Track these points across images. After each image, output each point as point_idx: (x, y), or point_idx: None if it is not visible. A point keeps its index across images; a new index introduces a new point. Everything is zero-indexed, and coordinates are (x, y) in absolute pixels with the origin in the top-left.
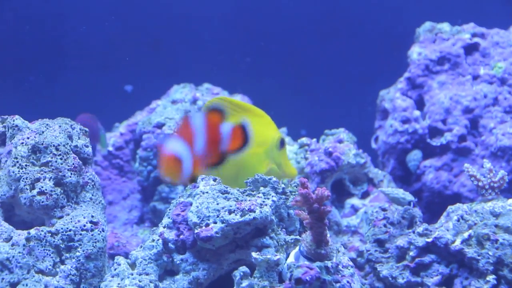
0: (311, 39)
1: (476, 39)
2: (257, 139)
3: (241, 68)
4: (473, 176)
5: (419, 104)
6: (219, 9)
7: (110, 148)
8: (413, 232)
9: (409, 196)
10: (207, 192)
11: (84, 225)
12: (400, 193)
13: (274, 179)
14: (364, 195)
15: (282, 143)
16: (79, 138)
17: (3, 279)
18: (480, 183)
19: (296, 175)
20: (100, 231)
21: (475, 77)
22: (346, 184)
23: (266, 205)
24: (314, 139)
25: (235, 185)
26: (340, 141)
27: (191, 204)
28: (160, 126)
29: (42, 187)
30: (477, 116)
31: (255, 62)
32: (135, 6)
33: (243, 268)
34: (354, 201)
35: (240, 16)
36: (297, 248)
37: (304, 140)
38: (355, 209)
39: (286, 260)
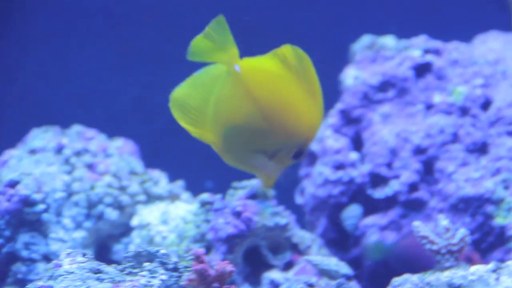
0: None
1: (429, 57)
2: (283, 118)
3: (122, 104)
4: (425, 238)
5: (357, 143)
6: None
7: None
8: None
9: (343, 268)
10: (73, 272)
11: None
12: (332, 263)
13: (163, 251)
14: (287, 266)
15: (297, 155)
16: None
17: None
18: (434, 247)
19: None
20: None
21: (429, 107)
22: (263, 252)
23: (152, 286)
24: (219, 195)
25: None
26: (253, 197)
27: None
28: (13, 184)
29: None
30: (431, 158)
31: (139, 99)
32: None
33: None
34: (274, 274)
35: (120, 50)
36: None
37: (206, 197)
38: (275, 285)
39: None
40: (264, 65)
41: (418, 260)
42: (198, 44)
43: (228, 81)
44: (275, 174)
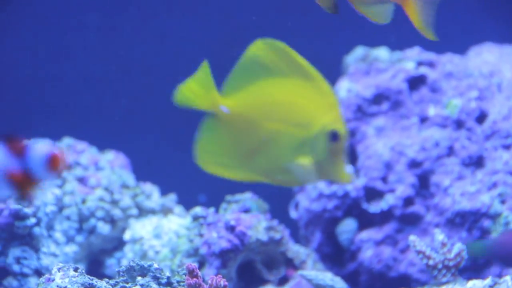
0: None
1: (423, 69)
2: (295, 114)
3: (113, 119)
4: (421, 253)
5: (351, 157)
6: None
7: None
8: None
9: (339, 283)
10: (65, 287)
11: None
12: (327, 278)
13: (156, 265)
14: (282, 282)
15: (334, 137)
16: None
17: None
18: (431, 262)
19: (350, 182)
20: None
21: (423, 120)
22: (258, 267)
23: None
24: (212, 209)
25: (247, 164)
26: (246, 211)
27: None
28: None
29: None
30: (427, 172)
31: (130, 112)
32: None
33: None
34: None
35: (110, 62)
36: None
37: (199, 211)
38: None
39: None
40: (246, 84)
41: None
42: (182, 91)
43: (226, 123)
44: (339, 162)
